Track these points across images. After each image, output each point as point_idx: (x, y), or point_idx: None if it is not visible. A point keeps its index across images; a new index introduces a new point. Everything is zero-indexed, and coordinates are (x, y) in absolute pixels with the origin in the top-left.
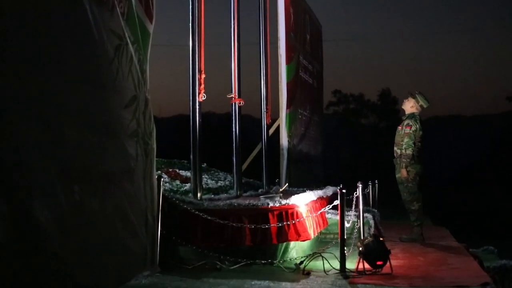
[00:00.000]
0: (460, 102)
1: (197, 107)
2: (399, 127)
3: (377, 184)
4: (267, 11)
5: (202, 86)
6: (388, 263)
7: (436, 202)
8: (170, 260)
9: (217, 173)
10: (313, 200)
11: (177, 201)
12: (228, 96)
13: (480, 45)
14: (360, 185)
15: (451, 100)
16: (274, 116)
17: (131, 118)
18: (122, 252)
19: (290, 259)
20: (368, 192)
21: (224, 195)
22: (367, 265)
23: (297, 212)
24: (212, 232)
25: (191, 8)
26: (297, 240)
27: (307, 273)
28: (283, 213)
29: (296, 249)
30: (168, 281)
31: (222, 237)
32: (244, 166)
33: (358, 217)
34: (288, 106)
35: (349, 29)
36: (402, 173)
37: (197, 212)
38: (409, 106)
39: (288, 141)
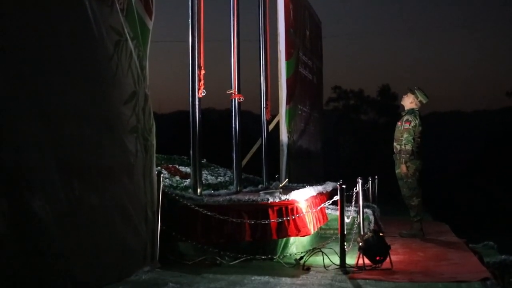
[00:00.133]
0: (459, 98)
1: (197, 103)
2: (399, 123)
3: (377, 180)
4: (266, 7)
5: (202, 82)
6: (388, 259)
7: (436, 198)
8: (170, 255)
9: (217, 169)
10: (313, 196)
11: (177, 197)
12: (227, 92)
13: (480, 41)
14: (360, 181)
15: (450, 95)
16: (274, 112)
17: (131, 114)
18: (122, 248)
19: (290, 255)
20: (368, 188)
21: (224, 191)
22: (367, 261)
23: (297, 208)
24: (212, 227)
25: (191, 4)
26: (297, 235)
27: (307, 269)
28: (283, 208)
29: (296, 245)
30: (168, 277)
31: (222, 233)
32: (244, 161)
33: (358, 212)
34: (287, 102)
35: (348, 25)
36: (401, 169)
37: (197, 208)
38: (409, 101)
39: (288, 137)
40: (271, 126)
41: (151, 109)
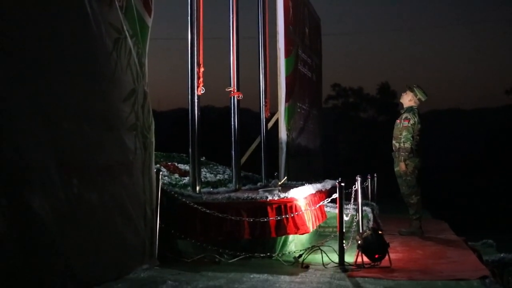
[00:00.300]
0: (459, 96)
1: (196, 100)
2: (398, 121)
3: (376, 178)
4: (266, 4)
5: (201, 79)
6: (387, 257)
7: (435, 196)
8: (168, 253)
9: (216, 167)
10: (312, 194)
11: (176, 195)
12: (227, 90)
13: (479, 39)
14: (359, 179)
15: (450, 93)
16: (273, 110)
17: (130, 111)
18: (121, 245)
19: (289, 253)
20: (367, 186)
21: (223, 189)
22: (365, 259)
23: (295, 206)
24: (211, 225)
25: (190, 1)
26: (295, 233)
27: (305, 267)
28: (282, 206)
29: (295, 243)
30: (166, 275)
31: (221, 231)
32: (243, 159)
33: (357, 210)
34: (287, 100)
35: (348, 22)
36: (400, 167)
37: (195, 206)
38: (407, 99)
39: (287, 134)
40: (270, 124)
41: (150, 106)
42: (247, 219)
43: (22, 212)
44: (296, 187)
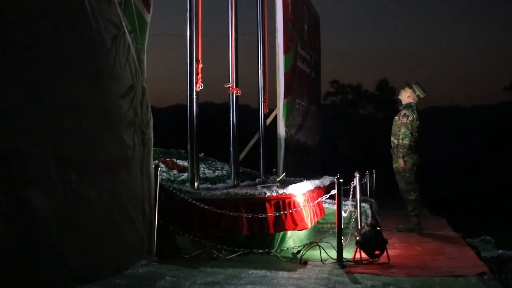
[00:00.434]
0: (458, 93)
1: (195, 96)
2: (396, 117)
3: (374, 174)
4: (265, 1)
5: (200, 75)
6: (385, 253)
7: (433, 192)
8: (167, 249)
9: (214, 163)
10: (310, 190)
11: (174, 191)
12: (225, 86)
13: (478, 36)
14: (357, 175)
15: (449, 90)
16: (272, 106)
17: (128, 107)
18: (119, 241)
19: (287, 249)
20: (366, 182)
21: (221, 185)
22: (364, 255)
23: (294, 202)
24: (209, 221)
25: None
26: (294, 229)
27: (304, 263)
28: (280, 202)
29: (293, 239)
30: (165, 270)
31: (219, 227)
32: (242, 155)
33: (355, 206)
34: (285, 96)
35: (346, 18)
36: (399, 163)
37: (194, 202)
38: (406, 96)
39: (286, 131)
40: (268, 120)
41: (149, 102)
42: (245, 215)
43: (21, 209)
44: (295, 183)
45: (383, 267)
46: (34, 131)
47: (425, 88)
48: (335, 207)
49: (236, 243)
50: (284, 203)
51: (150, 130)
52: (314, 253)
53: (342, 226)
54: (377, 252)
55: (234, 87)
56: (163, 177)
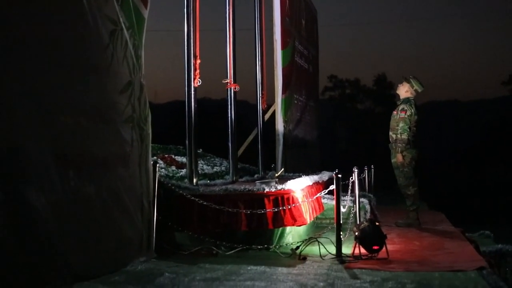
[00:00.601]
0: (456, 87)
1: (193, 92)
2: (394, 112)
3: (373, 169)
4: None
5: (198, 71)
6: (384, 248)
7: (432, 187)
8: (166, 245)
9: (212, 159)
10: (309, 185)
11: (173, 187)
12: (223, 82)
13: (477, 31)
14: (356, 170)
15: (447, 85)
16: (270, 102)
17: (126, 103)
18: (118, 238)
19: (286, 244)
20: (364, 177)
21: (219, 181)
22: (363, 250)
23: (293, 197)
24: (208, 217)
25: None
26: (293, 225)
27: (303, 258)
28: (279, 198)
29: (292, 234)
30: (164, 267)
31: (218, 223)
32: (240, 151)
33: (354, 202)
34: (283, 92)
35: (344, 13)
36: (397, 158)
37: (192, 198)
38: (404, 90)
39: (284, 126)
40: (267, 116)
41: (147, 98)
42: (244, 211)
43: (20, 206)
44: (293, 178)
45: (382, 262)
46: (32, 129)
47: (423, 82)
48: (334, 202)
49: (235, 239)
50: (282, 199)
51: (148, 126)
52: (313, 249)
53: (341, 222)
54: (376, 247)
55: (232, 82)
56: (162, 173)
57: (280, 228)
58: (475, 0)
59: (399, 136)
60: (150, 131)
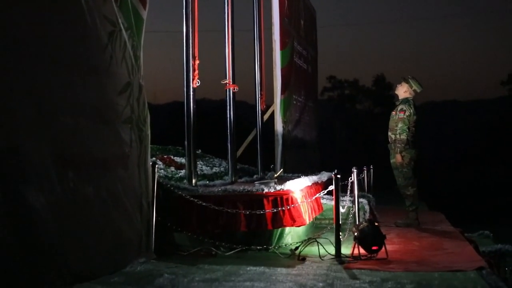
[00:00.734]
0: (455, 87)
1: (191, 93)
2: (393, 112)
3: (372, 170)
4: None
5: (196, 72)
6: (383, 248)
7: (431, 187)
8: (165, 246)
9: (212, 160)
10: (308, 186)
11: (172, 188)
12: (222, 82)
13: (476, 31)
14: (355, 171)
15: (446, 85)
16: (269, 102)
17: (125, 104)
18: (117, 238)
19: (285, 245)
20: (363, 178)
21: (219, 181)
22: (362, 250)
23: (292, 198)
24: (207, 218)
25: None
26: (292, 225)
27: (302, 259)
28: (278, 198)
29: (291, 235)
30: (163, 268)
31: (217, 223)
32: (239, 152)
33: (353, 202)
34: (282, 92)
35: (343, 14)
36: (396, 158)
37: (192, 199)
38: (403, 91)
39: (283, 127)
40: (266, 116)
41: (146, 99)
42: (243, 211)
43: (19, 207)
44: (292, 179)
45: (382, 262)
46: (31, 129)
47: (421, 82)
48: (333, 203)
49: (234, 240)
50: (282, 199)
51: (147, 127)
52: (312, 249)
53: (340, 222)
54: (375, 248)
55: (231, 83)
56: (161, 174)
57: (280, 229)
58: (475, 0)
59: (398, 136)
60: (149, 132)
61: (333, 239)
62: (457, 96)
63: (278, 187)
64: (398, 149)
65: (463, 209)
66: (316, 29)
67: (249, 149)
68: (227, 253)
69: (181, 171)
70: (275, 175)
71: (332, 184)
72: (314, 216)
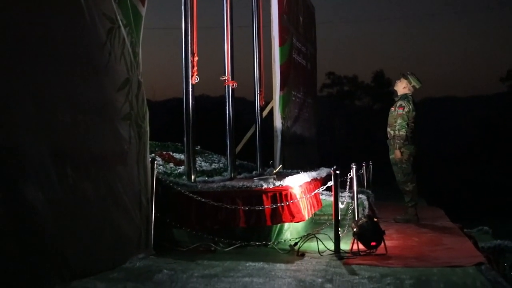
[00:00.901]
0: (454, 83)
1: (190, 89)
2: (392, 108)
3: (371, 165)
4: None
5: (195, 68)
6: (382, 244)
7: (430, 183)
8: (164, 242)
9: (211, 156)
10: (307, 182)
11: (171, 184)
12: (221, 79)
13: (475, 27)
14: (354, 166)
15: (445, 81)
16: (268, 99)
17: (124, 101)
18: (116, 235)
19: (285, 241)
20: (362, 173)
21: (218, 178)
22: (361, 246)
23: (291, 194)
24: (206, 214)
25: None
26: (291, 221)
27: (301, 255)
28: (277, 194)
29: (291, 231)
30: (162, 264)
31: (216, 219)
32: (238, 148)
33: (352, 198)
34: (281, 88)
35: (342, 10)
36: (396, 154)
37: (191, 195)
38: (402, 87)
39: (282, 123)
40: (265, 113)
41: (144, 95)
42: (242, 207)
43: (18, 203)
44: (291, 175)
45: (381, 258)
46: (30, 126)
47: (420, 78)
48: (332, 198)
49: (234, 236)
50: (281, 195)
51: (146, 124)
52: (312, 245)
53: (339, 218)
54: (374, 244)
55: (230, 79)
56: (160, 171)
57: (279, 225)
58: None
59: (397, 132)
60: (148, 129)
61: (332, 234)
62: (456, 92)
63: (277, 183)
64: (397, 145)
65: (462, 204)
66: (315, 25)
67: (248, 145)
68: (226, 249)
69: (180, 167)
70: (274, 171)
71: (331, 180)
72: (313, 212)
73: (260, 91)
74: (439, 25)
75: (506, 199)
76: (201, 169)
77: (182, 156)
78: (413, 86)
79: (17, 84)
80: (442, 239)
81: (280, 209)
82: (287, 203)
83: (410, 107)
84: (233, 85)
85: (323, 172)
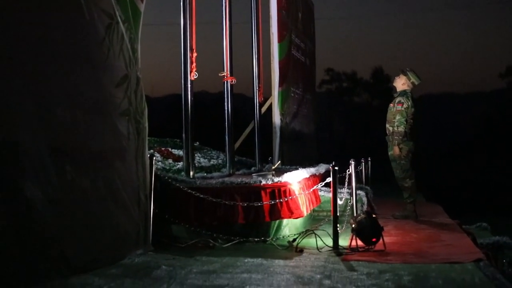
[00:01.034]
0: (453, 80)
1: (189, 85)
2: (391, 105)
3: (369, 162)
4: None
5: (194, 64)
6: (381, 240)
7: (429, 179)
8: (163, 238)
9: (209, 152)
10: (306, 178)
11: (170, 180)
12: (220, 75)
13: (473, 22)
14: (353, 163)
15: (444, 77)
16: (267, 95)
17: (123, 97)
18: (115, 231)
19: (283, 237)
20: (361, 170)
21: (216, 174)
22: (360, 242)
23: (289, 190)
24: (205, 210)
25: None
26: (290, 217)
27: (300, 251)
28: (276, 190)
29: (289, 227)
30: (161, 260)
31: (215, 215)
32: (237, 144)
33: (351, 194)
34: (280, 85)
35: (341, 6)
36: (394, 151)
37: (189, 191)
38: (401, 83)
39: (281, 119)
40: (263, 109)
41: (143, 91)
42: (241, 203)
43: (16, 199)
44: (290, 171)
45: (379, 254)
46: (28, 122)
47: (419, 75)
48: (330, 194)
49: (232, 232)
50: (279, 191)
51: (145, 120)
52: (310, 241)
53: (338, 214)
54: (373, 240)
55: (229, 75)
56: (158, 167)
57: (277, 221)
58: None
59: (395, 128)
60: (146, 125)
61: (330, 231)
62: (455, 89)
63: (276, 179)
64: (396, 141)
65: (460, 201)
66: (313, 21)
67: (247, 142)
68: (225, 245)
69: (179, 163)
70: (273, 167)
71: (330, 176)
72: (311, 208)
73: (259, 87)
74: (438, 21)
75: (505, 197)
76: (199, 165)
77: (180, 152)
78: (412, 83)
79: (15, 80)
80: (440, 235)
81: (279, 205)
82: (286, 199)
83: (409, 103)
84: (232, 81)
85: (321, 168)
